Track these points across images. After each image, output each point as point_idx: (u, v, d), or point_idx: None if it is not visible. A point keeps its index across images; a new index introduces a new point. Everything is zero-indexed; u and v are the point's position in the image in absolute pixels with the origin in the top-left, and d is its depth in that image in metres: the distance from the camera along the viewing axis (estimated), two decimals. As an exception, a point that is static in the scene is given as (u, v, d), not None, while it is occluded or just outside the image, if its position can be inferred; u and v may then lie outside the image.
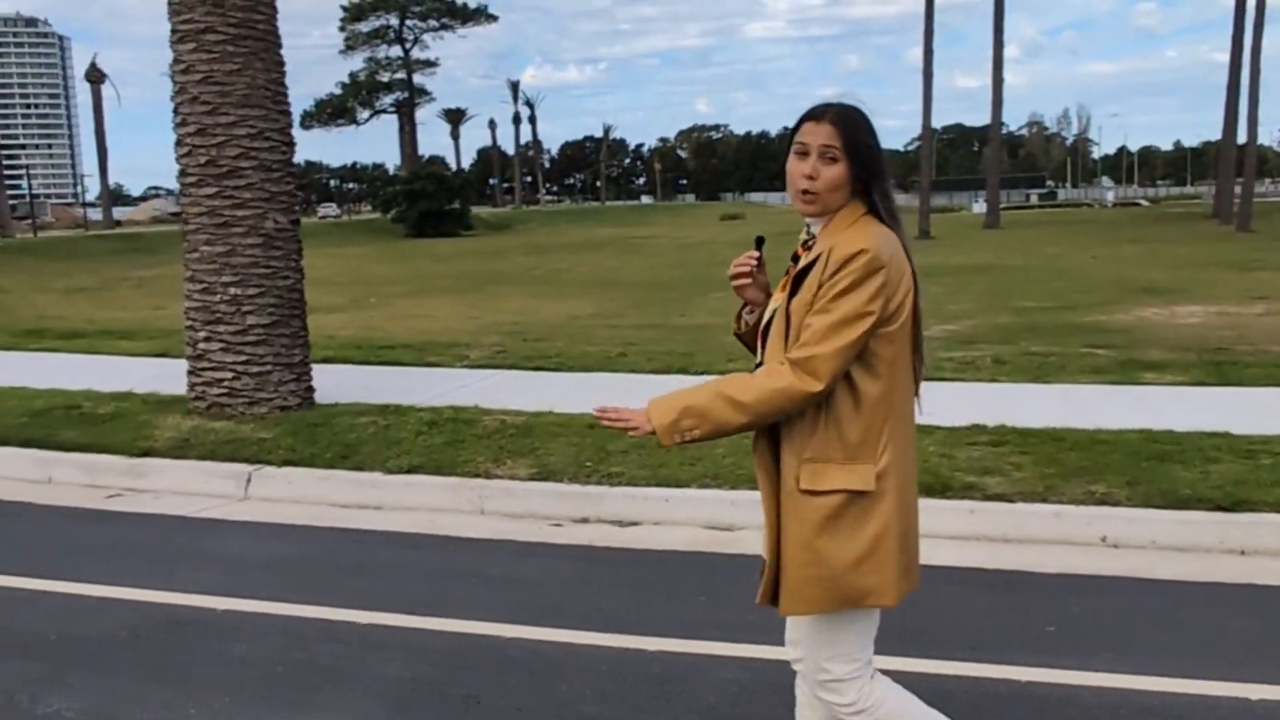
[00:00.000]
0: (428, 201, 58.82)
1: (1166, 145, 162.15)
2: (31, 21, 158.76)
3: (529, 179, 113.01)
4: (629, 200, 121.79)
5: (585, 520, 5.80)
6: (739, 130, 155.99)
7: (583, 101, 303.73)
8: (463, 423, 7.14)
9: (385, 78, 76.71)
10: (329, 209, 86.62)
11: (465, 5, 76.97)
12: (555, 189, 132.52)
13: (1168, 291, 16.66)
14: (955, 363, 9.00)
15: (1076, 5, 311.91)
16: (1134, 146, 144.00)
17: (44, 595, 4.82)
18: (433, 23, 76.73)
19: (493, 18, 79.14)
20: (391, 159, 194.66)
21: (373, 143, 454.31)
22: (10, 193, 59.35)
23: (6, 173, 57.25)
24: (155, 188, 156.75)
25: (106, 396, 8.38)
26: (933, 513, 4.41)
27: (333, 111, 75.86)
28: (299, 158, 8.11)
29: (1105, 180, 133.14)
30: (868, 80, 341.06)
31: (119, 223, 68.64)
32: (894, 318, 2.33)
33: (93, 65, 66.65)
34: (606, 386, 8.39)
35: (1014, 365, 8.96)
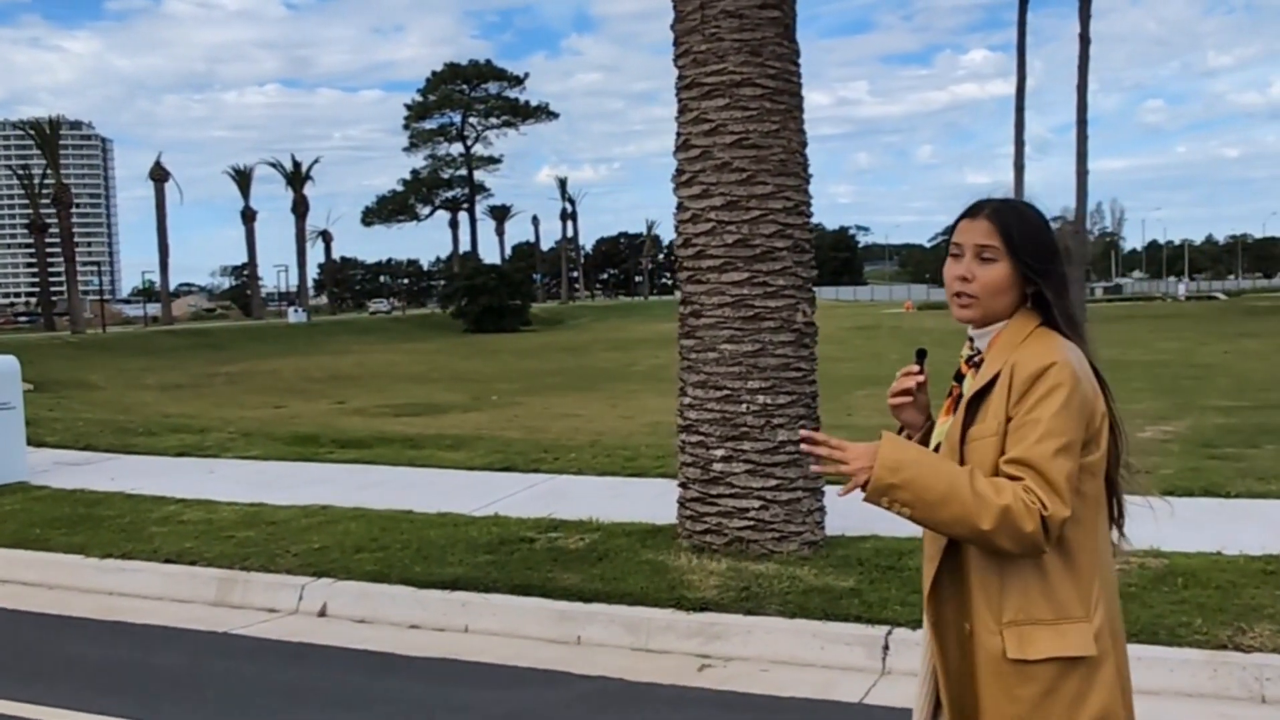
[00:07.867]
0: (489, 297, 58.80)
1: (1194, 238, 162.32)
2: (76, 125, 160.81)
3: (574, 274, 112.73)
4: (663, 295, 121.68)
5: None
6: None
7: (599, 200, 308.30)
8: (1085, 566, 5.64)
9: (446, 174, 76.65)
10: (380, 304, 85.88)
11: (528, 103, 77.33)
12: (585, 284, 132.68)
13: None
14: None
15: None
16: (1152, 240, 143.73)
17: None
18: (494, 120, 76.97)
19: (554, 115, 79.53)
20: (422, 254, 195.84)
21: (398, 240, 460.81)
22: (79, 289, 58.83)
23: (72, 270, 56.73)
24: (187, 284, 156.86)
25: (541, 524, 6.93)
26: None
27: (394, 208, 75.71)
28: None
29: (1137, 273, 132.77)
30: (878, 178, 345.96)
31: (175, 318, 68.31)
32: (1092, 445, 2.05)
33: (157, 164, 66.76)
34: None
35: None
